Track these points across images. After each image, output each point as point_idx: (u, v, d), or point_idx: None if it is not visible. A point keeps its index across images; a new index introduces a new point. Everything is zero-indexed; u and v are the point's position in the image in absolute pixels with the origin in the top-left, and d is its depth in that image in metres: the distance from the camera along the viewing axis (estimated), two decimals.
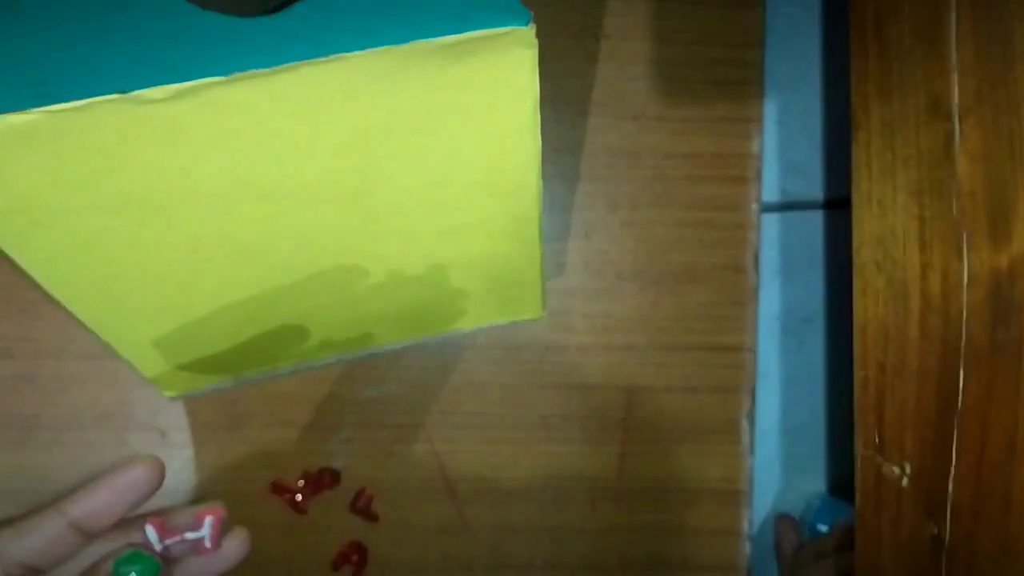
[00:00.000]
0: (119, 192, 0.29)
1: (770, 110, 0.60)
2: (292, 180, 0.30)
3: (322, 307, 0.41)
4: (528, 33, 0.26)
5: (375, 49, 0.25)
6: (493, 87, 0.28)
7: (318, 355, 0.46)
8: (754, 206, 0.49)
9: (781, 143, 0.59)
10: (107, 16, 0.28)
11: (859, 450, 0.43)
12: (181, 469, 0.47)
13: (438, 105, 0.28)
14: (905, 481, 0.39)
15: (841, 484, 0.60)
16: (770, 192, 0.60)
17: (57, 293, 0.35)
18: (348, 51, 0.25)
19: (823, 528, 0.54)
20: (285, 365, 0.47)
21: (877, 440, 0.41)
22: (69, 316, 0.47)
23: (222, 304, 0.38)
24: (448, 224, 0.36)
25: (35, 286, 0.46)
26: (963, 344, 0.35)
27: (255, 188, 0.30)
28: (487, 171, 0.33)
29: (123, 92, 0.24)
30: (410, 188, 0.33)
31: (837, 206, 0.60)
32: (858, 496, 0.43)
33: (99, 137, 0.26)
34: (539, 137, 0.31)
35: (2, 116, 0.24)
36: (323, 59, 0.25)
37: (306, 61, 0.25)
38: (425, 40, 0.25)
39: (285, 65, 0.25)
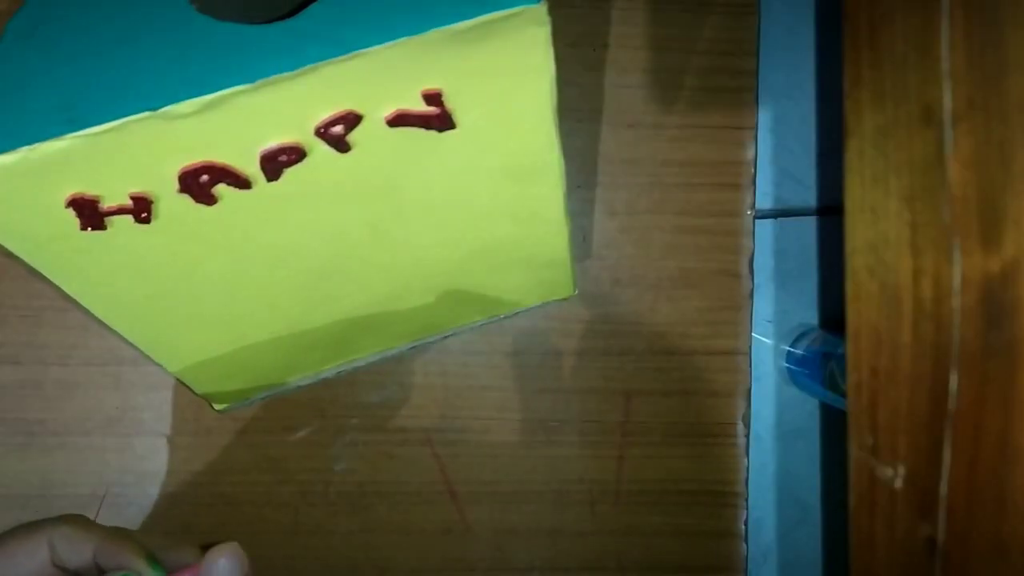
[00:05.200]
0: (154, 210, 0.29)
1: (764, 118, 0.61)
2: (321, 180, 0.31)
3: (360, 306, 0.41)
4: (540, 11, 0.26)
5: (393, 42, 0.25)
6: (509, 69, 0.28)
7: (360, 354, 0.46)
8: (749, 212, 0.49)
9: (775, 150, 0.59)
10: (125, 35, 0.28)
11: (853, 452, 0.43)
12: (185, 473, 0.48)
13: (457, 93, 0.28)
14: (899, 483, 0.39)
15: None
16: (764, 199, 0.60)
17: (103, 317, 0.34)
18: (367, 46, 0.25)
19: None
20: (330, 367, 0.47)
21: (871, 442, 0.42)
22: (74, 322, 0.47)
23: (263, 311, 0.38)
24: (474, 211, 0.36)
25: (40, 293, 0.47)
26: (955, 348, 0.35)
27: (285, 191, 0.30)
28: (508, 155, 0.33)
29: (153, 109, 0.25)
30: (435, 180, 0.33)
31: (830, 212, 0.61)
32: (852, 497, 0.43)
33: (132, 157, 0.26)
34: (556, 116, 0.31)
35: (34, 145, 0.25)
36: (343, 57, 0.25)
37: (327, 61, 0.25)
38: (441, 28, 0.25)
39: (307, 67, 0.25)
